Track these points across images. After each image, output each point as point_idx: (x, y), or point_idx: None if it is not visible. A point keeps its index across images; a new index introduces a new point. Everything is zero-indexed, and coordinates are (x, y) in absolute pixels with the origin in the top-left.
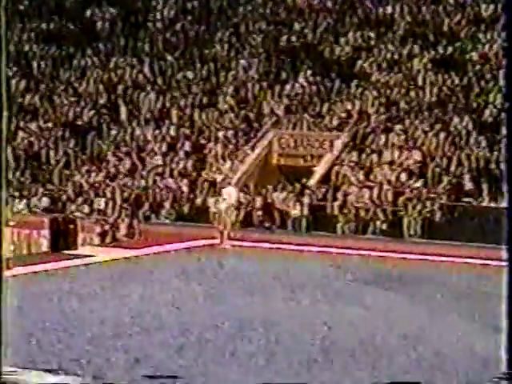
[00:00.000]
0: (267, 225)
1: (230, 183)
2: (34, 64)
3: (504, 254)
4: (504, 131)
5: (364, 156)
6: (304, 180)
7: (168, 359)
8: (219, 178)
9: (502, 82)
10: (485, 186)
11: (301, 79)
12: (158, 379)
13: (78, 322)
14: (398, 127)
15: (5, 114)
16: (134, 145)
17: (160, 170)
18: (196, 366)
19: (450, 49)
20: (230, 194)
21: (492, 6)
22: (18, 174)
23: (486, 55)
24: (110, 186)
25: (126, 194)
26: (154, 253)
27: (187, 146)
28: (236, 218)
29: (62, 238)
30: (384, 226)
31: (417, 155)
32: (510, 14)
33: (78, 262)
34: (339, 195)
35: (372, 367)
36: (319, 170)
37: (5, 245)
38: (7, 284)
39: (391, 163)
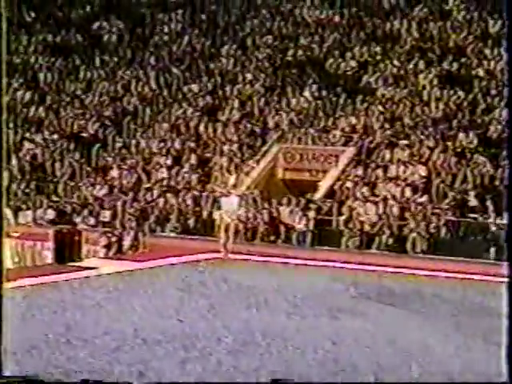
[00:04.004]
0: (272, 238)
1: (232, 192)
2: (41, 76)
3: (505, 270)
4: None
5: (369, 171)
6: (309, 194)
7: (170, 372)
8: (224, 191)
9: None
10: (490, 203)
11: (306, 93)
12: None
13: (81, 334)
14: (403, 142)
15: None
16: (139, 158)
17: (165, 183)
18: (198, 379)
19: (455, 64)
20: (232, 202)
21: (499, 22)
22: (23, 185)
23: (493, 71)
24: (116, 198)
25: (131, 207)
26: (159, 265)
27: (193, 159)
28: (240, 230)
29: (67, 250)
30: (389, 241)
31: (422, 170)
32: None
33: (82, 273)
34: (344, 210)
35: (375, 381)
36: (324, 185)
37: (5, 256)
38: (13, 295)
39: (396, 178)
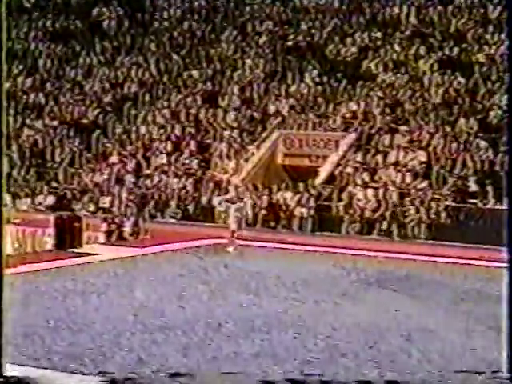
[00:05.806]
0: (272, 224)
1: (242, 199)
2: (40, 62)
3: (505, 255)
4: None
5: (369, 156)
6: (309, 180)
7: (171, 358)
8: (224, 177)
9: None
10: (490, 188)
11: (307, 79)
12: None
13: (82, 320)
14: (403, 128)
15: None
16: (139, 144)
17: (165, 168)
18: (199, 365)
19: (456, 50)
20: (240, 206)
21: (499, 8)
22: (23, 171)
23: (493, 57)
24: (116, 184)
25: (131, 193)
26: (159, 252)
27: (192, 145)
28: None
29: (67, 236)
30: (389, 227)
31: (422, 156)
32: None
33: (82, 260)
34: (344, 195)
35: (375, 367)
36: (324, 170)
37: (5, 243)
38: (14, 281)
39: (396, 164)
